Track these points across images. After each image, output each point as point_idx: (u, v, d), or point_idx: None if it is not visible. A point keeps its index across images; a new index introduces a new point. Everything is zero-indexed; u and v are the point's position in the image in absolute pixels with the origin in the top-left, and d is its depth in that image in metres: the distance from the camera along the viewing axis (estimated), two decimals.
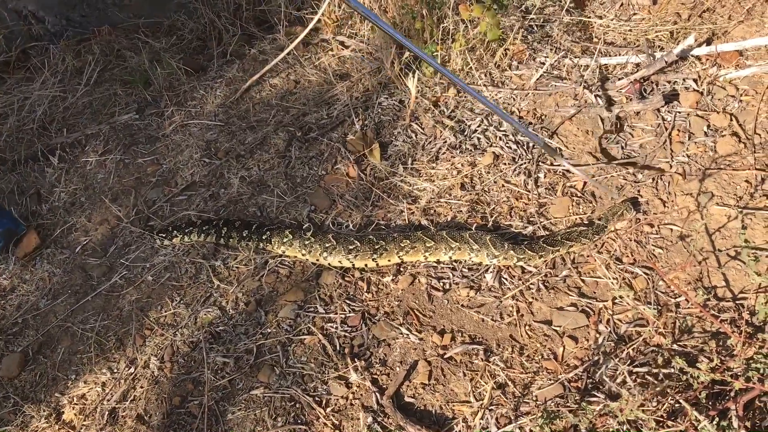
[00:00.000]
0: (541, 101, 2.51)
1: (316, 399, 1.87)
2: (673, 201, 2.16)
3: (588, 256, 2.08)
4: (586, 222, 2.14)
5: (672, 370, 1.73)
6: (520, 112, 2.48)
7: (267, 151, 2.51)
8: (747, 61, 2.46)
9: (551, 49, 2.65)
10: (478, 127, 2.45)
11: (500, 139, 2.40)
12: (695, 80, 2.45)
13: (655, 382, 1.72)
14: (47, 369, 2.06)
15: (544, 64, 2.60)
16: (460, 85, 1.91)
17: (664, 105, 2.38)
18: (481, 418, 1.78)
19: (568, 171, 2.29)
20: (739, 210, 2.08)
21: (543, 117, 2.46)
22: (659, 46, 2.61)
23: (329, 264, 2.14)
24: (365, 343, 1.98)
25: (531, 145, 2.38)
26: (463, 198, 2.27)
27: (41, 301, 2.21)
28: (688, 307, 1.91)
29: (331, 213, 2.30)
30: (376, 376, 1.90)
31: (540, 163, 2.32)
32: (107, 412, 1.94)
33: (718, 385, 1.68)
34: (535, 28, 2.75)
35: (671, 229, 2.10)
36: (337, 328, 2.01)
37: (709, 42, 2.56)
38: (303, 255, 2.16)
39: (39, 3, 3.10)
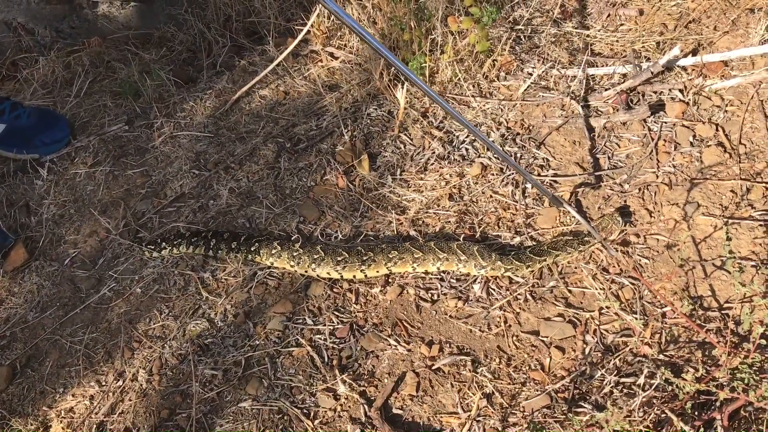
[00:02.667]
0: (529, 112, 2.52)
1: (304, 411, 1.87)
2: (659, 211, 2.17)
3: (576, 266, 2.09)
4: (572, 232, 2.15)
5: (658, 381, 1.74)
6: (507, 122, 2.50)
7: (256, 163, 2.51)
8: (732, 72, 2.49)
9: (539, 60, 2.67)
10: (467, 137, 2.47)
11: (488, 149, 2.41)
12: (681, 90, 2.47)
13: (642, 392, 1.73)
14: (35, 382, 2.05)
15: (531, 74, 2.62)
16: (454, 115, 1.91)
17: (650, 115, 2.40)
18: (469, 430, 1.79)
19: (555, 181, 2.30)
20: (725, 220, 2.10)
21: (530, 128, 2.47)
22: (646, 57, 2.63)
23: (318, 275, 2.14)
24: (353, 354, 1.98)
25: (518, 156, 2.39)
26: (451, 209, 2.28)
27: (29, 314, 2.21)
28: (674, 318, 1.92)
29: (320, 224, 2.31)
30: (364, 388, 1.91)
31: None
32: (95, 426, 1.93)
33: (703, 395, 1.69)
34: (523, 39, 2.76)
35: (657, 239, 2.11)
36: (325, 339, 2.02)
37: (695, 52, 2.59)
38: (291, 266, 2.17)
39: (29, 14, 3.10)
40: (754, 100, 2.38)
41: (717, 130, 2.34)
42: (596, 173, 2.31)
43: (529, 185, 2.31)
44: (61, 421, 1.96)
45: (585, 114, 2.48)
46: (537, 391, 1.84)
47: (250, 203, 2.39)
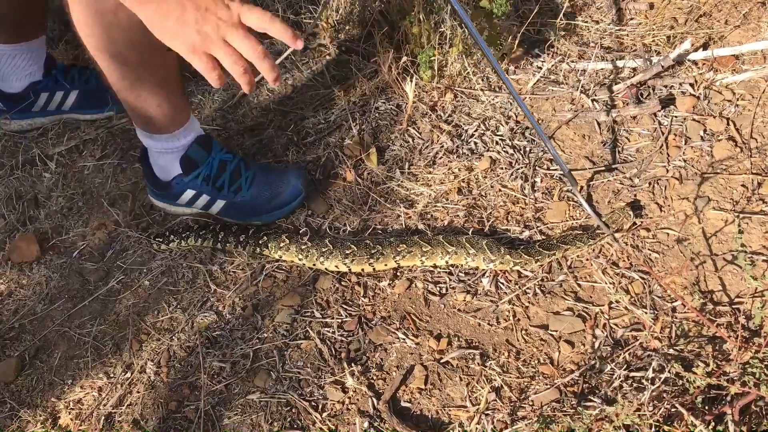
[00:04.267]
0: (538, 105, 2.51)
1: (313, 404, 1.87)
2: (669, 205, 2.16)
3: (586, 260, 2.08)
4: (582, 226, 2.14)
5: (668, 375, 1.73)
6: (517, 116, 2.49)
7: (265, 156, 2.51)
8: (743, 66, 2.47)
9: (548, 54, 2.66)
10: (475, 131, 2.46)
11: (497, 143, 2.41)
12: (692, 85, 2.46)
13: (651, 386, 1.72)
14: (44, 374, 2.06)
15: (541, 68, 2.61)
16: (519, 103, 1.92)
17: (660, 109, 2.39)
18: (478, 423, 1.78)
19: (564, 175, 2.29)
20: (736, 214, 2.09)
21: (540, 121, 2.46)
22: (656, 51, 2.61)
23: (326, 268, 2.14)
24: (362, 347, 1.98)
25: (528, 150, 2.38)
26: (459, 202, 2.27)
27: (38, 306, 2.21)
28: (685, 312, 1.92)
29: (328, 217, 2.30)
30: (372, 381, 1.91)
31: (536, 168, 2.32)
32: (103, 417, 1.94)
33: (714, 390, 1.68)
34: (533, 33, 2.75)
35: (667, 234, 2.10)
36: (333, 332, 2.02)
37: (705, 46, 2.57)
38: (300, 260, 2.16)
39: None
40: (766, 94, 2.37)
41: (728, 124, 2.32)
42: (606, 167, 2.30)
43: (538, 179, 2.30)
44: (69, 413, 1.96)
45: (594, 108, 2.47)
46: (546, 385, 1.84)
47: None
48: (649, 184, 2.23)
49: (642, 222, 2.14)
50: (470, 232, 2.17)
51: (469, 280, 2.09)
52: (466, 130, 2.47)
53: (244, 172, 2.30)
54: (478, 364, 1.90)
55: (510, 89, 2.09)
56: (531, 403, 1.81)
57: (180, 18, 1.43)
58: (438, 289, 2.08)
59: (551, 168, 2.32)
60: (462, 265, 2.11)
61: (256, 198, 2.30)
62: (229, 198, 2.29)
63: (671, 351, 1.82)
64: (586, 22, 2.78)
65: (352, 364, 1.93)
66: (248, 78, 1.48)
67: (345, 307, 2.07)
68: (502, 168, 2.35)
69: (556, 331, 1.95)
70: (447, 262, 2.11)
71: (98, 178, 2.53)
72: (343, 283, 2.13)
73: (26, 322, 2.18)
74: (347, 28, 2.87)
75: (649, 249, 2.08)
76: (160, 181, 2.29)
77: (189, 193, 2.28)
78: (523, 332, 1.96)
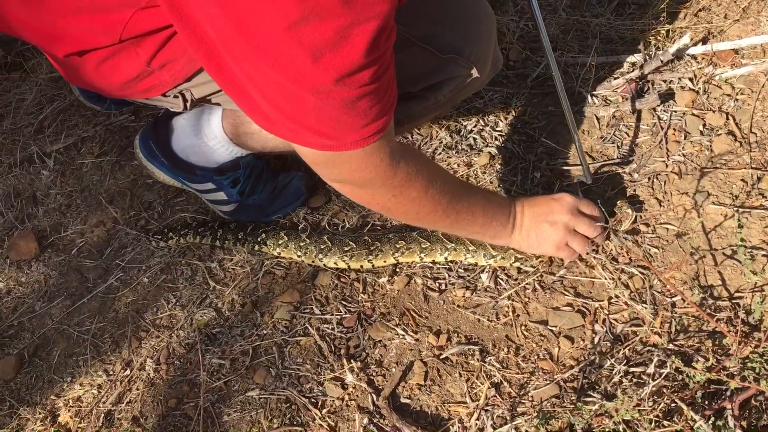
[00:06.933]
0: (537, 101, 2.51)
1: (312, 400, 1.87)
2: (669, 200, 2.16)
3: (586, 255, 2.08)
4: None
5: (668, 370, 1.73)
6: (515, 111, 2.48)
7: None
8: (743, 60, 2.46)
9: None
10: (474, 127, 2.45)
11: (496, 139, 2.40)
12: (691, 79, 2.45)
13: (651, 381, 1.72)
14: (43, 371, 2.06)
15: (540, 63, 2.60)
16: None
17: (659, 104, 2.38)
18: (477, 419, 1.78)
19: (566, 170, 2.29)
20: (735, 209, 2.08)
21: (539, 116, 2.46)
22: (655, 46, 2.60)
23: (325, 265, 2.14)
24: (361, 344, 1.98)
25: (527, 145, 2.38)
26: None
27: (37, 304, 2.21)
28: (684, 307, 1.91)
29: (328, 213, 2.30)
30: (371, 377, 1.91)
31: (536, 163, 2.32)
32: (103, 415, 1.94)
33: (714, 385, 1.68)
34: (532, 28, 2.74)
35: (667, 229, 2.10)
36: (333, 329, 2.01)
37: (704, 41, 2.56)
38: (298, 256, 2.16)
39: None
40: (765, 88, 2.36)
41: (727, 118, 2.32)
42: (605, 162, 2.29)
43: (538, 174, 2.30)
44: (69, 410, 1.96)
45: (594, 103, 2.46)
46: (546, 380, 1.84)
47: None
48: (649, 179, 2.22)
49: (642, 217, 2.13)
50: None
51: (468, 276, 2.09)
52: (465, 126, 2.47)
53: (264, 178, 2.30)
54: (478, 360, 1.90)
55: (558, 83, 2.11)
56: (531, 399, 1.81)
57: (538, 232, 1.92)
58: (437, 285, 2.08)
59: (550, 163, 2.32)
60: (461, 262, 2.11)
61: (263, 200, 2.30)
62: (242, 200, 2.27)
63: (671, 346, 1.82)
64: (585, 16, 2.77)
65: (352, 361, 1.93)
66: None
67: (344, 303, 2.07)
68: (500, 163, 2.34)
69: (556, 326, 1.94)
70: (446, 259, 2.10)
71: (96, 176, 2.53)
72: (342, 279, 2.13)
73: (25, 319, 2.18)
74: None
75: (648, 244, 2.07)
76: (179, 158, 2.20)
77: (208, 185, 2.22)
78: (523, 328, 1.96)
